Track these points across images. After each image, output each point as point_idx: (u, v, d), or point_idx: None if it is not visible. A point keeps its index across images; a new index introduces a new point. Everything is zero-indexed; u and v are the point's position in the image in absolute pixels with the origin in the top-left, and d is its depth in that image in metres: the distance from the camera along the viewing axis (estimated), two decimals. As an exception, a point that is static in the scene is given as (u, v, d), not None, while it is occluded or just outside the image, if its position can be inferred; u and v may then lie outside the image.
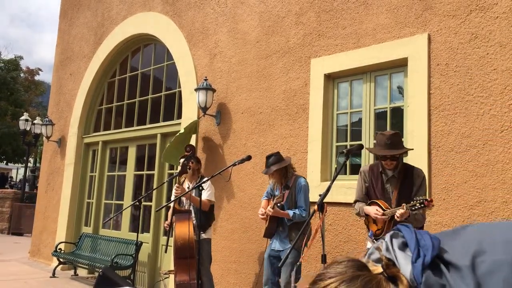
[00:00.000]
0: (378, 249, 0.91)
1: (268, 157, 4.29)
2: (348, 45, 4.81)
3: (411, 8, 4.37)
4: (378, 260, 0.88)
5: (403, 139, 3.65)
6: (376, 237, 3.40)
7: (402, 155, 3.50)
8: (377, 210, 3.35)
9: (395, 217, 3.21)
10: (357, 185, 3.67)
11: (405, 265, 0.85)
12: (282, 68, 5.40)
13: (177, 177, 4.83)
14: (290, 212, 4.11)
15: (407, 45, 4.32)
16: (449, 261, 0.84)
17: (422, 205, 3.06)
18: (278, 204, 4.13)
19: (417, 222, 3.24)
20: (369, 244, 3.56)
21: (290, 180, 4.22)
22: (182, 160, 4.86)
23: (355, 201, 3.66)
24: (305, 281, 0.87)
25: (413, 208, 3.10)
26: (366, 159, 4.59)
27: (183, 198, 4.92)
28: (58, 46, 9.96)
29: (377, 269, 0.85)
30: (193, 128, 6.11)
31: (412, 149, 3.76)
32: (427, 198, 3.11)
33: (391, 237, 0.90)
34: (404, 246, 0.88)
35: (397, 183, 3.39)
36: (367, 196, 3.55)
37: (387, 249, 0.88)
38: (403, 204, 3.19)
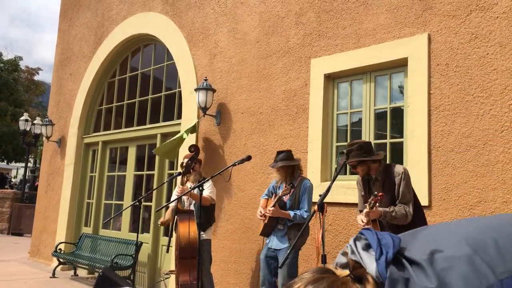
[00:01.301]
0: (344, 254, 0.97)
1: (278, 153, 4.33)
2: (348, 45, 4.80)
3: (411, 8, 4.37)
4: (346, 265, 0.93)
5: (371, 148, 3.51)
6: None
7: (376, 161, 3.43)
8: (361, 220, 3.36)
9: (365, 217, 3.25)
10: (357, 195, 3.74)
11: (370, 263, 0.89)
12: (282, 68, 5.40)
13: (180, 177, 4.82)
14: (291, 213, 4.10)
15: (407, 45, 4.32)
16: (409, 257, 0.89)
17: (374, 202, 3.16)
18: (284, 196, 4.13)
19: (398, 220, 3.22)
20: None
21: (296, 180, 4.22)
22: (185, 160, 4.85)
23: (359, 211, 3.68)
24: None
25: (370, 206, 3.17)
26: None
27: (184, 198, 4.92)
28: (58, 46, 9.96)
29: (344, 272, 0.90)
30: (190, 128, 6.08)
31: (358, 159, 3.39)
32: (377, 194, 3.18)
33: (355, 241, 0.97)
34: (367, 247, 0.94)
35: (380, 185, 3.41)
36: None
37: (352, 252, 0.94)
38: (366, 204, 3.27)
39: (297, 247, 4.11)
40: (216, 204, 5.20)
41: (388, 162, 4.32)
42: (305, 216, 4.08)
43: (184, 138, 5.99)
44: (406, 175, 3.33)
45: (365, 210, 3.21)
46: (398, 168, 3.37)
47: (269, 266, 4.21)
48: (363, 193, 3.56)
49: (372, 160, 3.42)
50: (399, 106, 4.52)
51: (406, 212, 3.22)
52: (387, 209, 3.22)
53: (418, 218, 3.31)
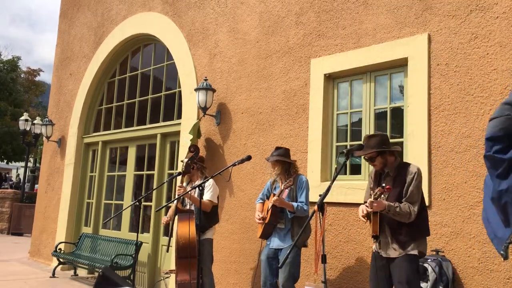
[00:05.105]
0: None
1: (277, 148, 4.38)
2: (348, 45, 4.81)
3: (411, 8, 4.37)
4: None
5: (387, 139, 3.55)
6: (373, 236, 3.41)
7: (392, 154, 3.47)
8: (362, 210, 3.36)
9: (367, 207, 3.26)
10: (366, 188, 3.77)
11: None
12: (282, 68, 5.40)
13: (180, 176, 4.82)
14: (294, 204, 4.12)
15: (407, 45, 4.32)
16: None
17: (380, 192, 3.18)
18: (287, 190, 4.14)
19: (401, 216, 3.24)
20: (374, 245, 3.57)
21: (291, 178, 4.24)
22: (185, 160, 4.85)
23: (364, 202, 3.69)
24: None
25: (375, 196, 3.19)
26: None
27: (186, 198, 4.92)
28: (58, 46, 9.96)
29: None
30: (195, 132, 6.03)
31: (385, 149, 3.41)
32: (384, 185, 3.20)
33: None
34: None
35: (391, 181, 3.43)
36: None
37: None
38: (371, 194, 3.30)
39: (298, 245, 4.12)
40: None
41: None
42: (306, 208, 4.13)
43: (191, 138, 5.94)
44: (418, 176, 3.36)
45: (369, 200, 3.23)
46: (412, 167, 3.41)
47: (270, 266, 4.20)
48: (371, 185, 3.58)
49: (390, 152, 3.45)
50: (399, 106, 4.52)
51: (410, 211, 3.24)
52: (392, 204, 3.23)
53: (420, 220, 3.31)
